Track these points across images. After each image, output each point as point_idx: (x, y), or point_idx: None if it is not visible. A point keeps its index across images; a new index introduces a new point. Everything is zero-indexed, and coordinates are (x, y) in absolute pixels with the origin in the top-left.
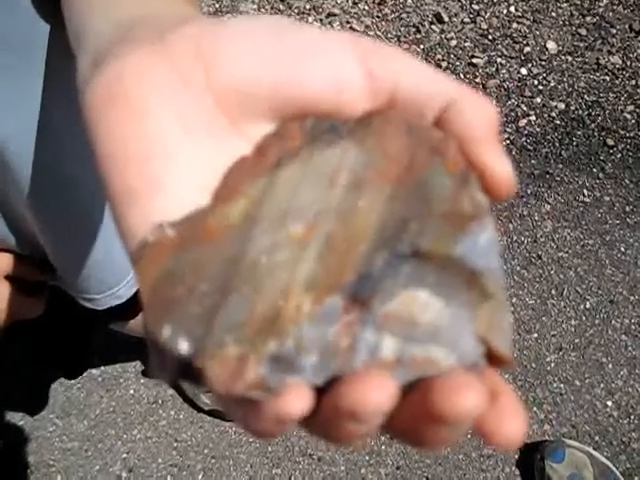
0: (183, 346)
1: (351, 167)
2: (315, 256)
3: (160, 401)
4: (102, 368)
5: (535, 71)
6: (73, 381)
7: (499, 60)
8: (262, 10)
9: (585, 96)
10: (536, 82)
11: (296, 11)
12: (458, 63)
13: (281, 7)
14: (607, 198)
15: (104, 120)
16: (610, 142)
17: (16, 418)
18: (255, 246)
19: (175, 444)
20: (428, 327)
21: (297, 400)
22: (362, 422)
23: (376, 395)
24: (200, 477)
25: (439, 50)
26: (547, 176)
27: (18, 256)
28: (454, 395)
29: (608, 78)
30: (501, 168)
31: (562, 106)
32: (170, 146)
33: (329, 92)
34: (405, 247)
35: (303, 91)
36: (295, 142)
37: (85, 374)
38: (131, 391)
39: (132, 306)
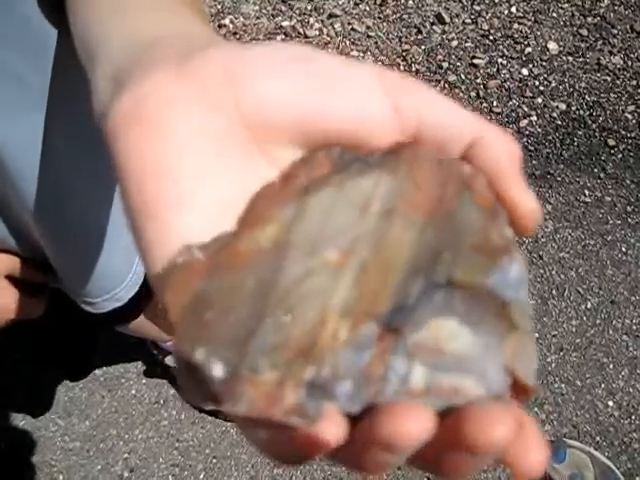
0: (217, 370)
1: (383, 196)
2: (351, 283)
3: (162, 401)
4: (104, 368)
5: (536, 71)
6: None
7: (500, 60)
8: (263, 11)
9: (586, 96)
10: (537, 82)
11: (297, 12)
12: (459, 64)
13: (283, 8)
14: (608, 198)
15: (129, 139)
16: (611, 142)
17: (18, 418)
18: (289, 271)
19: (177, 444)
20: (456, 356)
21: (333, 428)
22: (396, 453)
23: (414, 426)
24: (201, 477)
25: (440, 51)
26: (548, 176)
27: (19, 257)
28: (487, 426)
29: (609, 78)
30: (527, 204)
31: (563, 106)
32: (195, 166)
33: (356, 125)
34: (440, 277)
35: (330, 123)
36: (323, 170)
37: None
38: (133, 391)
39: (133, 308)
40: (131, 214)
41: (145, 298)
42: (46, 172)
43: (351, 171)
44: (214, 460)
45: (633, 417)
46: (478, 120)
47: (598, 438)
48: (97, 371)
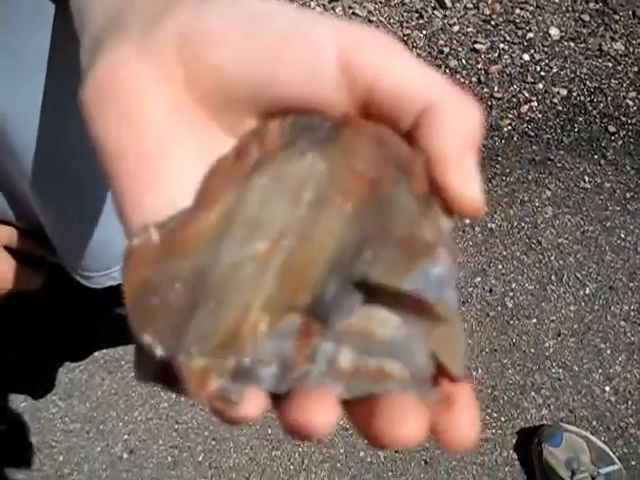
0: (158, 352)
1: (317, 182)
2: (275, 275)
3: None
4: (104, 351)
5: (537, 57)
6: (75, 363)
7: (502, 46)
8: None
9: (587, 82)
10: (538, 68)
11: None
12: (460, 49)
13: None
14: (608, 184)
15: (97, 117)
16: (612, 129)
17: (19, 400)
18: (223, 260)
19: (176, 426)
20: (385, 342)
21: (249, 407)
22: (306, 437)
23: (319, 417)
24: (200, 459)
25: (441, 36)
26: (548, 162)
27: (18, 229)
28: (395, 425)
29: (611, 64)
30: (466, 193)
31: (564, 92)
32: (157, 146)
33: (308, 91)
34: (356, 275)
35: (282, 89)
36: (273, 143)
37: (87, 357)
38: (133, 373)
39: None
40: (111, 190)
41: None
42: (45, 141)
43: (296, 148)
44: (213, 442)
45: (629, 402)
46: (439, 83)
47: (595, 423)
48: (97, 353)
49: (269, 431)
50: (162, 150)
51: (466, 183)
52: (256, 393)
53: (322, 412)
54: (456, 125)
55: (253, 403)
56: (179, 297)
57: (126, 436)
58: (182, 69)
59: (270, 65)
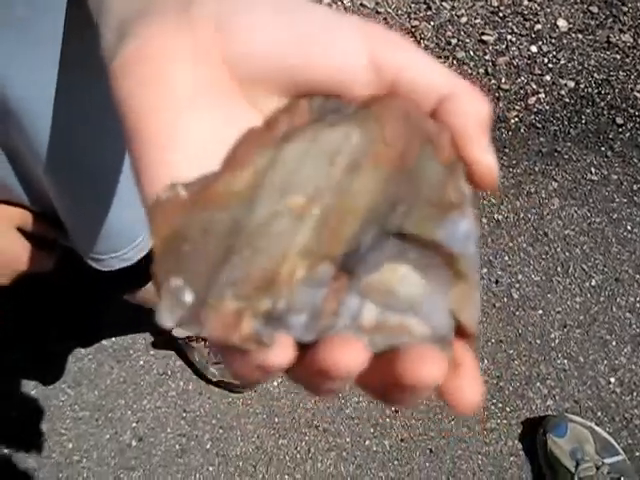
0: (188, 297)
1: (351, 149)
2: (312, 227)
3: (169, 372)
4: (113, 339)
5: (545, 49)
6: (84, 352)
7: (509, 37)
8: None
9: (595, 74)
10: (546, 60)
11: None
12: (468, 40)
13: None
14: (615, 176)
15: (127, 81)
16: (619, 121)
17: (29, 387)
18: (258, 213)
19: (184, 414)
20: (406, 298)
21: (280, 353)
22: (333, 380)
23: (347, 358)
24: (208, 447)
25: (449, 27)
26: (555, 154)
27: (31, 212)
28: (416, 367)
29: (619, 56)
30: (485, 162)
31: (572, 84)
32: (186, 111)
33: (337, 76)
34: (391, 227)
35: (312, 73)
36: (302, 119)
37: (96, 345)
38: (141, 362)
39: (141, 271)
40: (130, 152)
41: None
42: (60, 124)
43: (326, 122)
44: (220, 430)
45: (635, 394)
46: (453, 78)
47: (599, 414)
48: (105, 342)
49: (276, 420)
50: (183, 108)
51: (485, 155)
52: (287, 339)
53: (350, 352)
54: (472, 109)
55: (283, 349)
56: (212, 245)
57: (134, 424)
58: (217, 44)
59: (302, 49)
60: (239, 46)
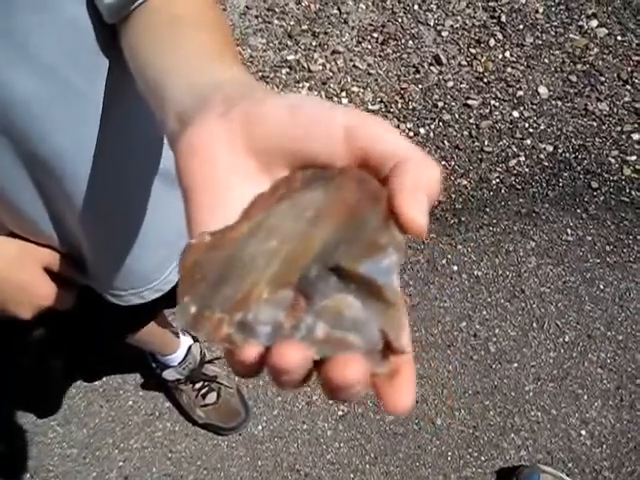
0: (193, 309)
1: (315, 206)
2: (279, 263)
3: (157, 413)
4: (103, 379)
5: (526, 114)
6: (75, 390)
7: (493, 102)
8: (270, 45)
9: (573, 140)
10: (527, 125)
11: (302, 47)
12: (454, 104)
13: (289, 43)
14: (589, 238)
15: (185, 162)
16: (594, 185)
17: (18, 423)
18: (247, 252)
19: (170, 455)
20: (349, 320)
21: (248, 352)
22: (285, 374)
23: (290, 358)
24: None
25: (436, 90)
26: (533, 214)
27: (58, 253)
28: (341, 369)
29: (595, 124)
30: (409, 215)
31: (550, 148)
32: (222, 184)
33: (325, 154)
34: (332, 262)
35: (310, 153)
36: (296, 184)
37: (86, 384)
38: (130, 402)
39: (151, 310)
40: (185, 212)
41: (162, 305)
42: (96, 176)
43: (310, 187)
44: (204, 472)
45: (604, 446)
46: (412, 148)
47: (570, 465)
48: (96, 382)
49: (259, 463)
50: (222, 184)
51: (411, 208)
52: (254, 342)
53: (295, 353)
54: (413, 171)
55: (250, 349)
56: (212, 274)
57: (121, 463)
58: (244, 137)
59: (302, 136)
60: (260, 134)
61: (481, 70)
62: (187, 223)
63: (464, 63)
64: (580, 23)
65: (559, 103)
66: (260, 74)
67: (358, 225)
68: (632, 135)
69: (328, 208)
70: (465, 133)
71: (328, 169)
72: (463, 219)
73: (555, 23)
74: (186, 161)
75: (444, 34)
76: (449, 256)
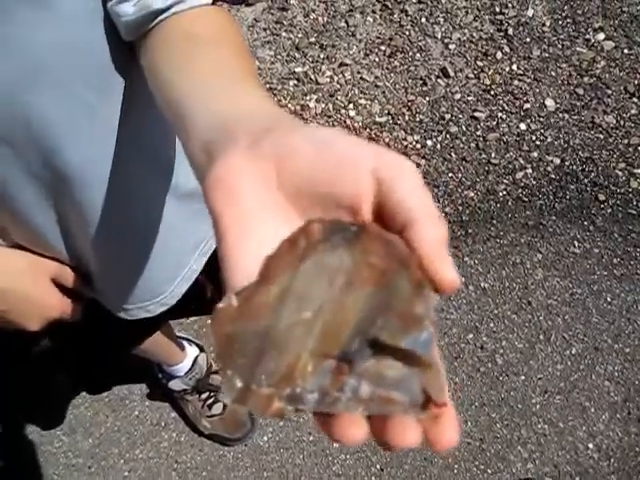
0: (238, 384)
1: (345, 272)
2: (316, 335)
3: (163, 423)
4: (109, 389)
5: (533, 127)
6: (80, 400)
7: (500, 115)
8: (278, 57)
9: (580, 152)
10: (534, 137)
11: (310, 59)
12: (461, 116)
13: (296, 55)
14: (596, 250)
15: (214, 195)
16: (601, 197)
17: (24, 432)
18: (282, 323)
19: (175, 465)
20: (392, 380)
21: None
22: (346, 444)
23: (350, 433)
24: None
25: (444, 103)
26: (540, 227)
27: (68, 266)
28: (399, 437)
29: (602, 136)
30: (446, 276)
31: (557, 161)
32: (252, 220)
33: (351, 197)
34: (369, 335)
35: (336, 195)
36: (315, 236)
37: (97, 393)
38: (136, 412)
39: (157, 322)
40: (218, 246)
41: (168, 317)
42: (110, 194)
43: (330, 243)
44: None
45: (612, 460)
46: (425, 204)
47: (577, 478)
48: (102, 392)
49: (264, 474)
50: (252, 219)
51: (447, 270)
52: (303, 409)
53: (354, 427)
54: (432, 235)
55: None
56: (252, 347)
57: (126, 473)
58: (275, 173)
59: (329, 180)
60: (289, 173)
61: (488, 83)
62: (220, 261)
63: (471, 76)
64: (587, 36)
65: (566, 116)
66: (268, 86)
67: (390, 292)
68: (639, 148)
69: (358, 274)
70: (472, 145)
71: (346, 221)
72: (470, 231)
73: (562, 36)
74: (215, 195)
75: (451, 47)
76: (456, 268)
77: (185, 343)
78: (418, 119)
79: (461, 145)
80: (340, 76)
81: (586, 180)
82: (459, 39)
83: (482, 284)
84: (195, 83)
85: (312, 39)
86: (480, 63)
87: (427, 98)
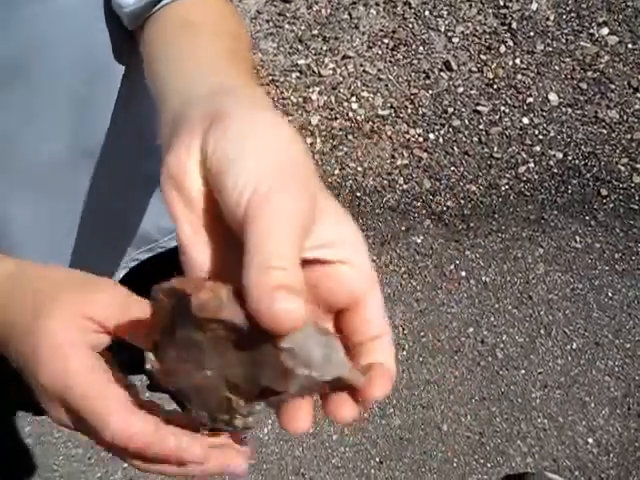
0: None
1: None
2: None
3: None
4: None
5: (536, 121)
6: None
7: (503, 109)
8: (281, 49)
9: (582, 147)
10: (536, 131)
11: (313, 51)
12: (464, 109)
13: (299, 47)
14: (598, 245)
15: (165, 193)
16: (604, 192)
17: (24, 422)
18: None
19: None
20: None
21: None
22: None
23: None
24: None
25: (446, 96)
26: (542, 221)
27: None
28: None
29: (605, 131)
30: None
31: (560, 155)
32: (198, 207)
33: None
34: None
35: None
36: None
37: None
38: None
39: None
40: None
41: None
42: (94, 183)
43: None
44: None
45: (611, 455)
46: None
47: (577, 473)
48: None
49: (264, 466)
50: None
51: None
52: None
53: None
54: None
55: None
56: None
57: (126, 464)
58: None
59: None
60: (219, 153)
61: (491, 76)
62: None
63: (474, 69)
64: (591, 31)
65: (569, 110)
66: (270, 78)
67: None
68: None
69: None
70: (475, 139)
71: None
72: (472, 225)
73: (566, 31)
74: (166, 187)
75: (455, 40)
76: (457, 262)
77: None
78: (421, 112)
79: (463, 139)
80: (343, 69)
81: (588, 175)
82: (462, 32)
83: (483, 278)
84: (172, 69)
85: (315, 31)
86: (483, 57)
87: (430, 91)
